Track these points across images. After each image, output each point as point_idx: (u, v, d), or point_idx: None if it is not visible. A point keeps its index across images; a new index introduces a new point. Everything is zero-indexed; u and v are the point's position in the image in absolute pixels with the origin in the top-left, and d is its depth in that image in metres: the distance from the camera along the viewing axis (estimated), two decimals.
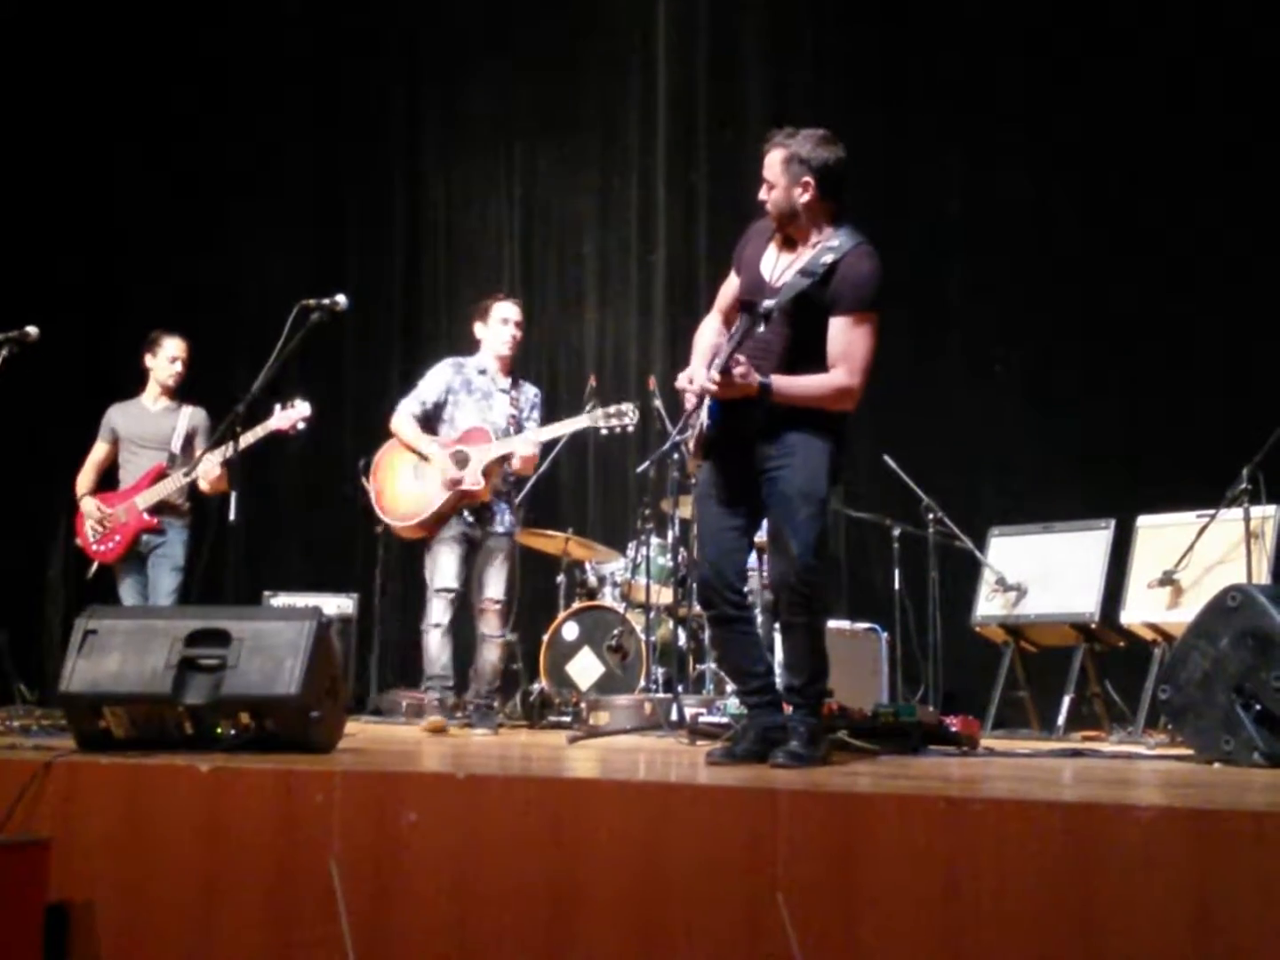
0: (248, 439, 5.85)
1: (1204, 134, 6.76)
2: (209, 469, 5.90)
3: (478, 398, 5.88)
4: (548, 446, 6.13)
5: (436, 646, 5.72)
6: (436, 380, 5.90)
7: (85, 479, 6.36)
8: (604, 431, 5.85)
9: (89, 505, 6.24)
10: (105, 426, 6.36)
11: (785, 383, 3.67)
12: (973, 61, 7.43)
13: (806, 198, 3.78)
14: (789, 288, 3.70)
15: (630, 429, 5.85)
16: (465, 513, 5.77)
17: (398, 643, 8.89)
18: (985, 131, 7.48)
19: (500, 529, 5.83)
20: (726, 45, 8.37)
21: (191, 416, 6.34)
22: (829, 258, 3.70)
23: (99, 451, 6.34)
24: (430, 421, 5.88)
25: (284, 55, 9.17)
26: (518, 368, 6.12)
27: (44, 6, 8.69)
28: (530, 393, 6.02)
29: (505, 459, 5.75)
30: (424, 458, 5.77)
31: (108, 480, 6.38)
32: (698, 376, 3.79)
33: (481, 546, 5.80)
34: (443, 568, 5.74)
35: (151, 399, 6.39)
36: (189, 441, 6.28)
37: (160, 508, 6.17)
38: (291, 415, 5.99)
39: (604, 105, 8.83)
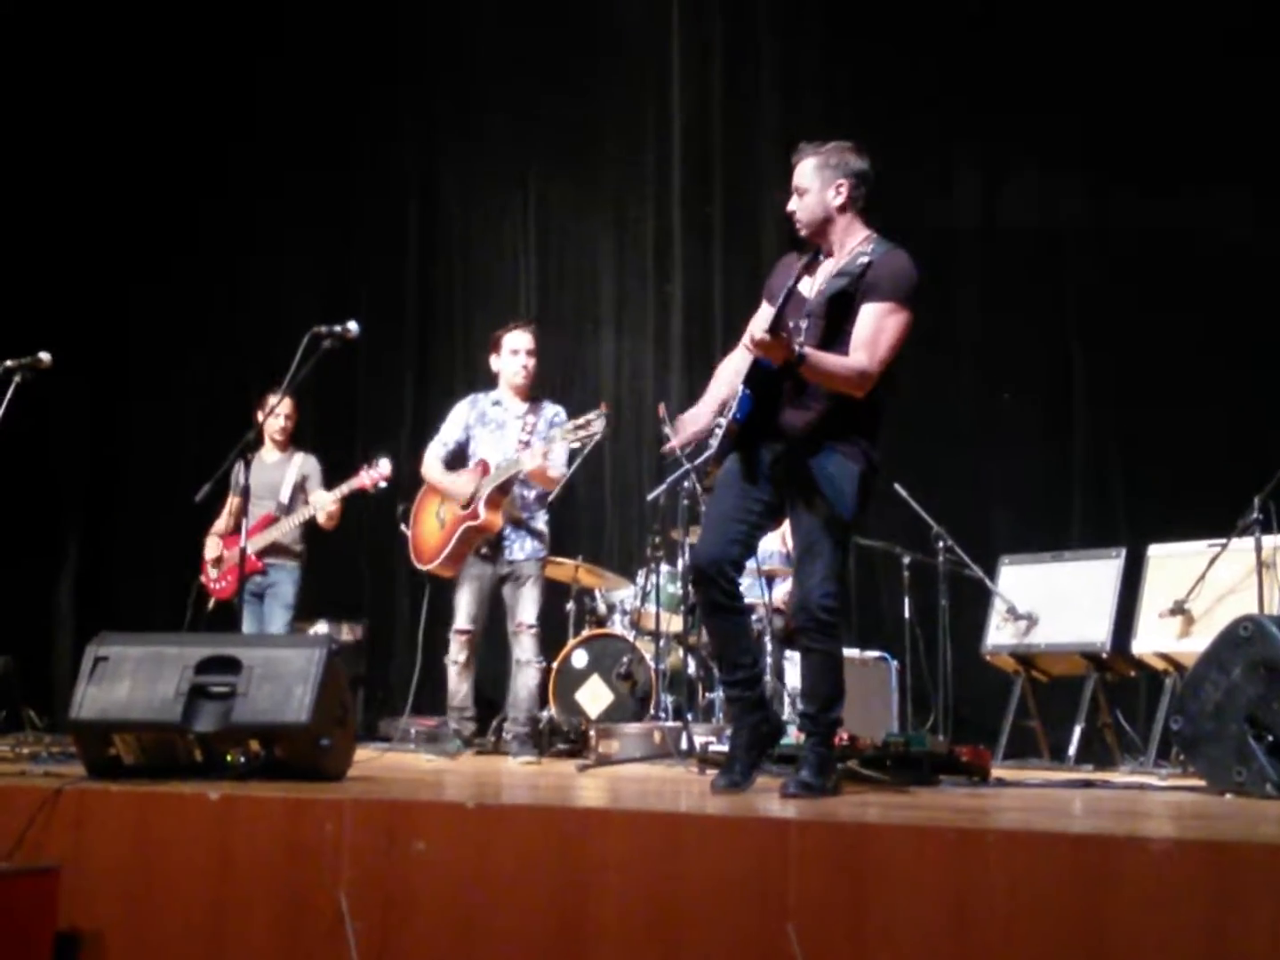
0: (333, 495, 6.49)
1: (1218, 151, 6.74)
2: (329, 507, 6.51)
3: (492, 429, 5.94)
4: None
5: (454, 681, 5.84)
6: (456, 420, 6.02)
7: (221, 526, 6.82)
8: (574, 445, 5.67)
9: (211, 544, 6.77)
10: (233, 480, 6.40)
11: (816, 356, 3.64)
12: (991, 89, 7.44)
13: (840, 200, 3.81)
14: (828, 288, 3.73)
15: (597, 437, 5.61)
16: (482, 548, 5.81)
17: (406, 671, 8.90)
18: (999, 161, 7.50)
19: (522, 555, 5.83)
20: (742, 75, 8.38)
21: (302, 465, 6.79)
22: (864, 259, 3.73)
23: (232, 503, 6.64)
24: (460, 460, 5.98)
25: (294, 79, 9.17)
26: (539, 392, 6.14)
27: (47, 15, 8.75)
28: (549, 413, 5.97)
29: (508, 485, 5.75)
30: (447, 496, 5.86)
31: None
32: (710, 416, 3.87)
33: (506, 577, 5.83)
34: (459, 608, 5.84)
35: (267, 451, 6.78)
36: (299, 488, 6.73)
37: (271, 550, 6.60)
38: (374, 474, 6.34)
39: (620, 134, 8.81)
